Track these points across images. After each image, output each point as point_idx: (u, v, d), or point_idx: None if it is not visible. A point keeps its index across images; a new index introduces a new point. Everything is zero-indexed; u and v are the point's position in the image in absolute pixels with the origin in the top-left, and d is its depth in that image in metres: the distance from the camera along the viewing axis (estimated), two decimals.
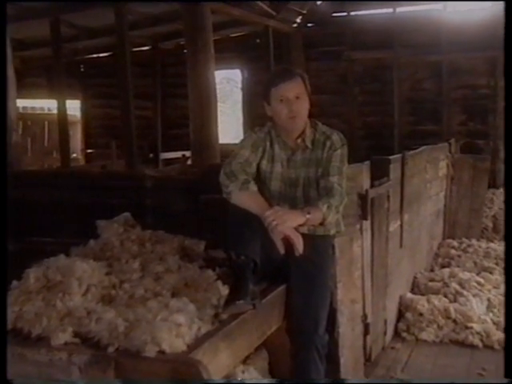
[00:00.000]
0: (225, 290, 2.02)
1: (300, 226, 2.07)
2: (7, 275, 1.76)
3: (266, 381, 2.26)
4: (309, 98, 2.26)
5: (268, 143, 2.30)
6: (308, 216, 2.05)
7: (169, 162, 8.46)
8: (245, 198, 2.11)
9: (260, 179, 2.29)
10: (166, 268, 2.17)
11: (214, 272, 2.27)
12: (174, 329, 1.69)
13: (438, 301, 3.89)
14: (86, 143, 10.19)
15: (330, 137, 2.28)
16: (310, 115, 2.30)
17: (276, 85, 2.20)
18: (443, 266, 4.92)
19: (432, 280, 4.41)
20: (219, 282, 2.07)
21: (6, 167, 1.93)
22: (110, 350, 1.63)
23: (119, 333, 1.65)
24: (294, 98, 2.19)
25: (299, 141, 2.28)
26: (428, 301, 3.91)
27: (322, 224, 2.16)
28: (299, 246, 2.02)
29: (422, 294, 4.13)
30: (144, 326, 1.67)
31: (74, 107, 10.26)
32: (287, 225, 1.98)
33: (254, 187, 2.14)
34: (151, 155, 8.65)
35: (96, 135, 10.05)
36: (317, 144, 2.28)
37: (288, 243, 2.07)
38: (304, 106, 2.22)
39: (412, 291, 4.28)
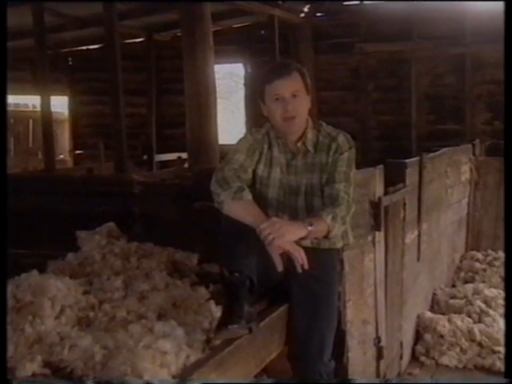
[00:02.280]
0: (218, 312, 1.97)
1: (301, 239, 2.01)
2: (7, 275, 1.76)
3: (266, 381, 2.21)
4: (309, 96, 2.21)
5: (266, 146, 2.26)
6: (310, 228, 1.99)
7: (164, 164, 8.46)
8: (238, 207, 2.06)
9: (256, 186, 2.25)
10: (152, 286, 2.13)
11: (208, 289, 2.23)
12: (159, 357, 1.64)
13: (461, 321, 3.87)
14: (74, 143, 10.20)
15: (336, 138, 2.22)
16: (315, 114, 2.25)
17: (270, 82, 2.15)
18: (466, 282, 4.88)
19: (454, 297, 4.38)
20: (212, 303, 2.02)
21: (6, 167, 1.94)
22: (85, 381, 1.56)
23: (96, 362, 1.60)
24: (290, 97, 2.14)
25: (300, 144, 2.23)
26: (449, 321, 3.88)
27: (326, 237, 2.11)
28: (301, 261, 1.97)
29: (443, 313, 4.11)
30: (124, 355, 1.62)
31: (61, 104, 10.29)
32: (286, 238, 1.93)
33: (248, 195, 2.09)
34: (145, 157, 8.63)
35: (85, 135, 10.06)
36: (321, 147, 2.23)
37: (289, 258, 2.02)
38: (302, 105, 2.17)
39: (431, 310, 4.25)
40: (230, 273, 2.00)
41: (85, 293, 1.99)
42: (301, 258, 1.96)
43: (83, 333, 1.74)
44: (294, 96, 2.14)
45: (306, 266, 1.97)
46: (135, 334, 1.73)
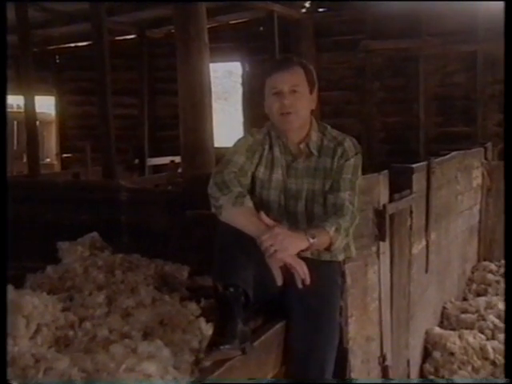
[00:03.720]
0: (209, 330, 1.94)
1: (302, 251, 1.98)
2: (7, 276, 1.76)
3: (266, 381, 2.18)
4: (313, 95, 2.19)
5: (267, 146, 2.24)
6: (312, 241, 1.98)
7: (158, 168, 8.44)
8: (239, 215, 2.03)
9: (255, 189, 2.23)
10: (137, 302, 2.10)
11: (199, 305, 2.20)
12: (143, 381, 1.61)
13: (473, 337, 3.87)
14: (61, 146, 10.17)
15: (342, 143, 2.20)
16: (317, 115, 2.22)
17: (270, 75, 2.16)
18: (478, 295, 4.89)
19: (465, 311, 4.38)
20: (202, 320, 2.00)
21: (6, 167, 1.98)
22: None
23: None
24: (288, 91, 2.13)
25: (302, 146, 2.21)
26: (460, 337, 3.88)
27: (328, 249, 2.08)
28: (303, 276, 1.94)
29: (453, 329, 4.11)
30: (104, 378, 1.59)
31: (48, 104, 10.27)
32: (288, 252, 1.91)
33: (249, 203, 2.06)
34: (136, 161, 8.61)
35: (73, 137, 10.04)
36: (325, 151, 2.21)
37: (288, 271, 2.00)
38: (301, 102, 2.15)
39: (441, 325, 4.25)
40: (224, 287, 1.96)
41: (64, 310, 1.96)
42: (302, 273, 1.93)
43: (60, 354, 1.70)
44: (293, 91, 2.12)
45: (308, 282, 1.95)
46: (117, 356, 1.69)
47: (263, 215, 1.98)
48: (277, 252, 1.88)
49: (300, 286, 1.95)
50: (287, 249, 1.89)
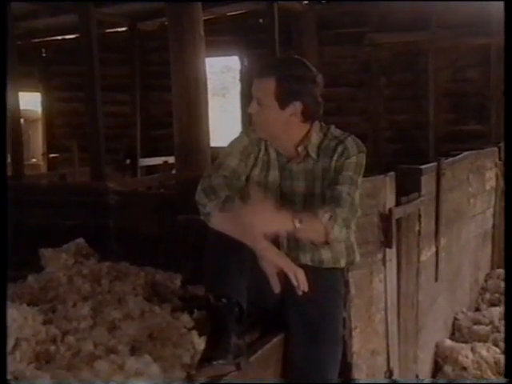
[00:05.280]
0: (201, 344, 1.94)
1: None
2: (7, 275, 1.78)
3: (265, 381, 2.18)
4: (287, 109, 2.10)
5: (263, 147, 2.24)
6: (298, 225, 1.93)
7: (150, 169, 8.45)
8: (227, 220, 2.00)
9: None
10: (125, 314, 2.10)
11: (192, 316, 2.21)
12: None
13: (486, 350, 3.84)
14: (48, 145, 10.17)
15: (343, 141, 2.19)
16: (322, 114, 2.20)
17: (254, 78, 2.19)
18: (492, 304, 4.87)
19: (478, 323, 4.36)
20: (194, 333, 2.00)
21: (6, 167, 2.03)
22: None
23: None
24: (255, 101, 2.15)
25: (300, 149, 2.20)
26: (473, 350, 3.86)
27: (326, 242, 2.04)
28: (299, 282, 1.92)
29: (465, 342, 4.09)
30: None
31: (33, 101, 10.27)
32: (267, 227, 1.88)
33: (238, 206, 2.03)
34: (128, 161, 8.61)
35: (61, 135, 10.03)
36: (324, 151, 2.20)
37: (286, 278, 1.96)
38: (266, 118, 2.13)
39: (452, 337, 4.24)
40: (216, 298, 1.95)
41: (45, 322, 1.96)
42: (295, 279, 1.91)
43: (41, 371, 1.70)
44: (258, 103, 2.14)
45: (305, 288, 1.93)
46: (102, 373, 1.70)
47: (254, 188, 2.02)
48: (255, 226, 1.85)
49: (299, 292, 1.93)
50: (266, 223, 1.87)
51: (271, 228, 1.90)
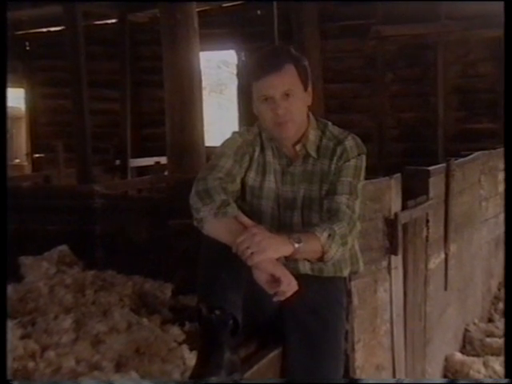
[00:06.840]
0: (192, 359, 1.96)
1: (287, 258, 1.95)
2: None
3: (266, 381, 2.17)
4: (309, 90, 2.16)
5: (258, 148, 2.23)
6: (297, 246, 1.92)
7: (141, 170, 8.46)
8: (221, 227, 2.00)
9: (246, 198, 2.22)
10: (110, 326, 2.10)
11: (183, 329, 2.22)
12: None
13: (500, 364, 3.82)
14: (32, 145, 10.19)
15: (343, 142, 2.19)
16: (320, 111, 2.19)
17: (258, 78, 2.10)
18: None
19: (490, 335, 4.36)
20: (184, 347, 2.01)
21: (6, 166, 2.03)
22: None
23: None
24: (281, 97, 2.09)
25: (299, 147, 2.20)
26: (485, 364, 3.86)
27: (321, 260, 2.03)
28: (286, 288, 1.89)
29: (477, 355, 4.09)
30: None
31: (17, 97, 10.29)
32: (267, 255, 1.86)
33: (234, 212, 2.02)
34: (117, 162, 8.64)
35: (46, 134, 10.07)
36: (324, 151, 2.20)
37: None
38: (297, 106, 2.12)
39: (462, 351, 4.23)
40: (209, 310, 1.93)
41: (24, 337, 1.95)
42: (287, 284, 1.88)
43: None
44: (286, 95, 2.09)
45: (294, 288, 1.89)
46: None
47: (241, 215, 1.95)
48: (253, 255, 1.83)
49: (282, 297, 1.89)
50: (265, 251, 1.84)
51: (278, 253, 1.89)
